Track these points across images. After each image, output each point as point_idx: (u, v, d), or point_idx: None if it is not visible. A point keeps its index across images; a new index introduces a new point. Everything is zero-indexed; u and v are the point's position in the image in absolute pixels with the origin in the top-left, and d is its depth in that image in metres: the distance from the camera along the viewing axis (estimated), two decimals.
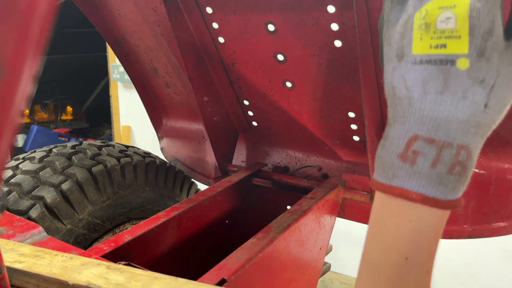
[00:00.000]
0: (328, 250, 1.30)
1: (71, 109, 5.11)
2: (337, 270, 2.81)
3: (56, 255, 0.64)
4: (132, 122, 3.54)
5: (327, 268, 1.27)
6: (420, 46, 0.45)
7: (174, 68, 1.25)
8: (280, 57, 1.01)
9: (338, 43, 0.91)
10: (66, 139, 4.62)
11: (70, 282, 0.56)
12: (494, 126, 0.45)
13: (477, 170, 0.99)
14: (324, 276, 2.80)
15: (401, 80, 0.47)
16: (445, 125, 0.44)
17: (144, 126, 3.36)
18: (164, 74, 1.31)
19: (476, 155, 0.45)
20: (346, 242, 2.74)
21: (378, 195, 0.49)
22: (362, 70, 0.86)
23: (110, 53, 3.43)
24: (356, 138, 1.07)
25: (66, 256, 0.63)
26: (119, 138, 3.59)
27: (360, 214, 1.11)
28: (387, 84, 0.49)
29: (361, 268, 0.52)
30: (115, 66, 3.37)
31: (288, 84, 1.06)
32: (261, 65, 1.06)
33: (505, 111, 0.45)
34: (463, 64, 0.43)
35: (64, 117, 5.07)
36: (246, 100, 1.19)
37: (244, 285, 0.70)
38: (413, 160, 0.44)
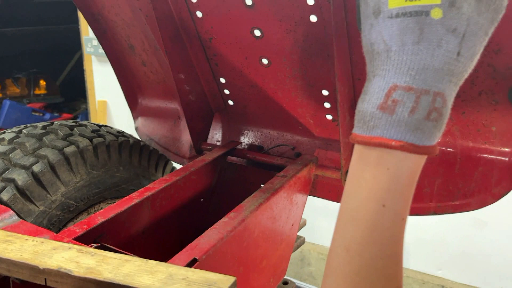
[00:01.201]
0: (302, 225, 1.34)
1: (44, 83, 4.97)
2: (315, 241, 2.89)
3: (26, 239, 0.64)
4: (108, 97, 3.47)
5: (301, 242, 1.31)
6: (395, 0, 0.47)
7: (151, 45, 1.23)
8: (257, 32, 1.00)
9: (313, 18, 0.91)
10: (41, 114, 4.51)
11: (41, 267, 0.57)
12: (466, 75, 0.48)
13: (443, 148, 1.03)
14: (302, 247, 2.88)
15: (378, 35, 0.48)
16: (422, 73, 0.45)
17: (120, 101, 3.31)
18: (141, 51, 1.29)
19: (451, 102, 0.47)
20: (323, 214, 2.81)
21: (357, 149, 0.51)
22: (336, 45, 0.87)
23: (83, 25, 3.33)
24: (329, 117, 1.09)
25: (37, 241, 0.64)
26: (95, 113, 3.53)
27: (331, 192, 1.14)
28: (365, 41, 0.51)
29: (337, 224, 0.54)
30: (88, 39, 3.27)
31: (265, 61, 1.06)
32: (238, 41, 1.05)
33: (475, 60, 0.47)
34: (436, 13, 0.45)
35: (37, 91, 4.93)
36: (223, 77, 1.19)
37: (216, 264, 0.72)
38: (392, 109, 0.46)
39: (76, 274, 0.55)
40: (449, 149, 1.03)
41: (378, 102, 0.47)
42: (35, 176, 0.96)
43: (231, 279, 0.54)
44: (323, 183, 1.14)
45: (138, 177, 1.20)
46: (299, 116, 1.14)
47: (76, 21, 3.43)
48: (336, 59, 0.87)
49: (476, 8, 0.45)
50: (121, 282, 0.54)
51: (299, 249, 2.87)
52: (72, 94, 5.06)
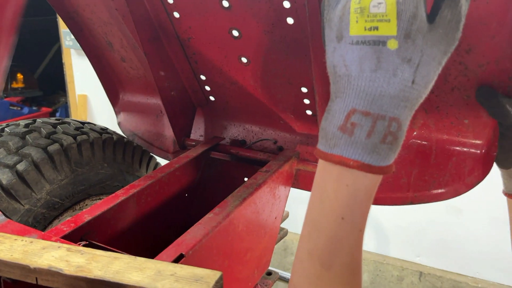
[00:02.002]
0: (285, 217, 1.38)
1: (21, 76, 4.87)
2: (297, 231, 2.94)
3: (16, 239, 0.65)
4: (88, 90, 3.44)
5: (284, 233, 1.35)
6: (356, 28, 0.50)
7: (129, 42, 1.23)
8: (235, 33, 1.02)
9: (290, 20, 0.94)
10: (19, 108, 4.43)
11: (32, 266, 0.58)
12: (421, 100, 0.51)
13: (419, 141, 1.07)
14: (285, 237, 2.93)
15: (340, 59, 0.51)
16: (378, 100, 0.48)
17: (101, 94, 3.29)
18: (120, 48, 1.29)
19: (406, 126, 0.50)
20: (305, 204, 2.86)
21: (320, 163, 0.55)
22: (312, 47, 0.89)
23: (61, 19, 3.27)
24: (309, 112, 1.12)
25: (26, 241, 0.65)
26: (75, 107, 3.49)
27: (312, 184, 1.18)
28: (329, 63, 0.54)
29: (303, 229, 0.58)
30: (66, 33, 3.22)
31: (244, 60, 1.08)
32: (217, 41, 1.06)
33: (430, 87, 0.51)
34: (392, 44, 0.48)
35: (15, 85, 4.83)
36: (203, 75, 1.20)
37: (202, 259, 0.75)
38: (351, 131, 0.49)
39: (67, 272, 0.57)
40: (424, 142, 1.07)
41: (339, 124, 0.50)
42: (20, 175, 0.96)
43: (217, 274, 0.57)
44: (304, 175, 1.18)
45: (123, 173, 1.21)
46: (280, 112, 1.16)
47: (54, 13, 3.37)
48: (313, 61, 0.90)
49: (430, 40, 0.48)
50: (112, 279, 0.56)
51: (282, 239, 2.92)
52: (51, 87, 4.97)
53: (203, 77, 1.20)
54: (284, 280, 1.67)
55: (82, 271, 0.57)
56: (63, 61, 3.37)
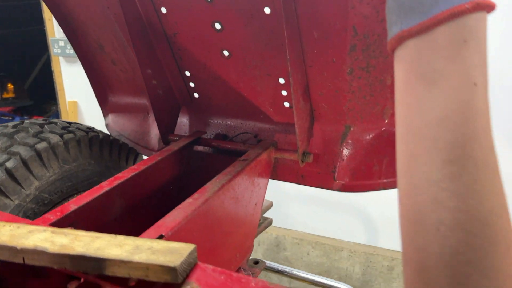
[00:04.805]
0: (268, 206, 1.43)
1: (12, 86, 4.89)
2: (289, 227, 2.99)
3: (4, 225, 0.70)
4: (78, 97, 3.48)
5: (268, 222, 1.39)
6: None
7: (120, 44, 1.28)
8: (217, 26, 1.07)
9: (267, 10, 0.99)
10: (10, 118, 4.46)
11: (18, 247, 0.63)
12: None
13: (390, 130, 1.12)
14: (277, 233, 2.98)
15: None
16: None
17: (91, 100, 3.33)
18: (111, 50, 1.34)
19: None
20: (297, 201, 2.91)
21: (409, 49, 0.43)
22: (287, 35, 0.94)
23: (49, 26, 3.31)
24: (286, 104, 1.17)
25: (13, 226, 0.69)
26: (66, 114, 3.52)
27: (291, 174, 1.23)
28: None
29: (400, 136, 0.46)
30: (54, 41, 3.26)
31: (225, 53, 1.13)
32: (200, 35, 1.12)
33: None
34: None
35: (5, 95, 4.85)
36: (188, 71, 1.25)
37: (182, 240, 0.79)
38: None
39: (51, 251, 0.62)
40: (395, 129, 1.12)
41: None
42: (9, 172, 1.01)
43: (191, 246, 0.62)
44: (283, 167, 1.23)
45: (110, 170, 1.26)
46: (260, 105, 1.22)
47: (41, 23, 3.41)
48: (287, 48, 0.95)
49: None
50: (92, 255, 0.60)
51: (274, 235, 2.97)
52: (42, 96, 5.00)
53: (187, 73, 1.26)
54: (277, 272, 1.72)
55: (65, 249, 0.62)
56: (52, 68, 3.41)
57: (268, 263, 1.65)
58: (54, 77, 3.45)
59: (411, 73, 0.43)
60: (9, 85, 4.90)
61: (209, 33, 1.10)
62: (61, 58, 3.38)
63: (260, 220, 1.39)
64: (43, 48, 4.03)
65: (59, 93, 3.49)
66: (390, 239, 2.75)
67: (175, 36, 1.16)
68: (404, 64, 0.44)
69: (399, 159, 0.47)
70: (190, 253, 0.61)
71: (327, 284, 1.66)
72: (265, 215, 1.48)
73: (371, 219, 2.76)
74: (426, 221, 0.42)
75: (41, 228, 0.69)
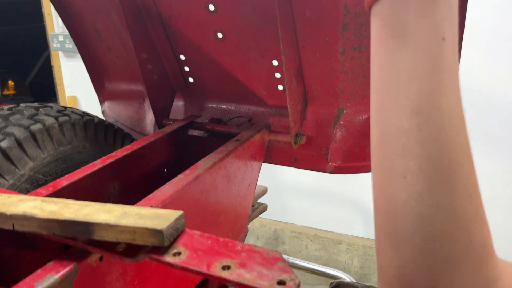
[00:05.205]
0: (263, 191, 1.43)
1: (13, 83, 4.91)
2: (288, 220, 2.99)
3: None
4: (78, 91, 3.49)
5: (264, 208, 1.40)
6: None
7: (116, 29, 1.29)
8: (211, 7, 1.08)
9: None
10: None
11: (8, 213, 0.63)
12: None
13: None
14: (275, 226, 2.98)
15: None
16: None
17: (90, 95, 3.35)
18: (107, 36, 1.35)
19: None
20: (295, 195, 2.91)
21: (383, 6, 0.43)
22: (279, 13, 0.94)
23: (48, 22, 3.33)
24: (280, 87, 1.18)
25: (4, 196, 0.70)
26: None
27: (284, 157, 1.23)
28: None
29: (387, 86, 0.45)
30: (54, 35, 3.28)
31: (219, 35, 1.14)
32: (195, 17, 1.12)
33: None
34: None
35: (6, 92, 4.87)
36: (183, 54, 1.26)
37: None
38: None
39: (40, 216, 0.62)
40: None
41: None
42: (3, 152, 1.01)
43: (178, 212, 0.62)
44: (276, 150, 1.23)
45: (104, 154, 1.26)
46: (254, 88, 1.22)
47: (41, 21, 3.42)
48: (280, 27, 0.95)
49: None
50: (81, 219, 0.61)
51: (272, 229, 2.98)
52: (42, 93, 5.01)
53: (182, 57, 1.26)
54: None
55: (54, 215, 0.62)
56: (52, 63, 3.43)
57: None
58: (53, 72, 3.47)
59: (384, 29, 0.44)
60: (10, 82, 4.92)
61: (203, 15, 1.11)
62: (60, 53, 3.39)
63: (255, 205, 1.39)
64: (44, 45, 4.05)
65: (58, 88, 3.50)
66: None
67: (169, 19, 1.17)
68: (379, 21, 0.45)
69: (372, 110, 0.48)
70: (177, 219, 0.61)
71: (325, 272, 1.67)
72: (261, 202, 1.48)
73: (369, 212, 2.76)
74: (394, 169, 0.44)
75: (31, 197, 0.69)
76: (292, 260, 1.69)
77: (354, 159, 1.13)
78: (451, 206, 0.42)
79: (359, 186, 2.68)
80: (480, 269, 0.43)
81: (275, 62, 1.12)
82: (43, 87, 4.90)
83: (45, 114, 1.15)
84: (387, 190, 0.45)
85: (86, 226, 0.61)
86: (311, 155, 1.18)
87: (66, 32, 3.29)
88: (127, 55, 1.35)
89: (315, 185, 2.85)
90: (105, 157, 0.96)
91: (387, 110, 0.45)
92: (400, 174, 0.43)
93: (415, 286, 0.43)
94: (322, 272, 1.66)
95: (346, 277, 1.59)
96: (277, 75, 1.15)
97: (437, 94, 0.42)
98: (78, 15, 1.35)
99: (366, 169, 1.13)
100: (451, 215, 0.42)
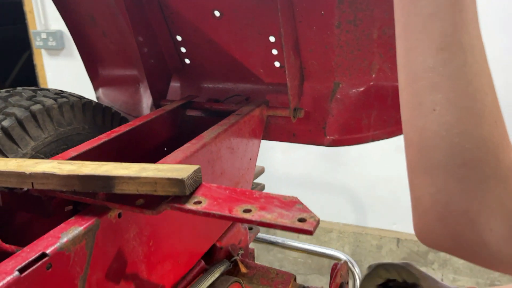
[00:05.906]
0: (261, 171, 1.46)
1: None
2: None
3: (10, 160, 0.71)
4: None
5: (261, 188, 1.42)
6: None
7: (111, 13, 1.29)
8: None
9: None
10: None
11: (27, 172, 0.64)
12: None
13: (379, 83, 1.16)
14: None
15: None
16: None
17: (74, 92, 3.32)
18: (102, 21, 1.35)
19: None
20: (285, 183, 2.95)
21: None
22: None
23: (30, 20, 3.28)
24: (277, 64, 1.20)
25: (19, 160, 0.71)
26: None
27: (282, 134, 1.26)
28: None
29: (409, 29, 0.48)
30: (36, 33, 3.24)
31: (217, 13, 1.16)
32: None
33: None
34: None
35: None
36: (179, 35, 1.28)
37: None
38: None
39: (60, 173, 0.63)
40: (382, 84, 1.17)
41: None
42: (5, 131, 1.01)
43: (196, 166, 0.64)
44: (275, 126, 1.26)
45: None
46: (251, 66, 1.25)
47: (22, 21, 3.37)
48: (278, 1, 0.98)
49: None
50: (101, 174, 0.62)
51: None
52: None
53: (179, 38, 1.28)
54: (269, 243, 1.75)
55: (74, 172, 0.64)
56: (35, 62, 3.38)
57: (260, 234, 1.68)
58: (36, 71, 3.42)
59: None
60: None
61: None
62: (43, 51, 3.35)
63: (252, 185, 1.42)
64: (24, 46, 3.99)
65: (41, 86, 3.46)
66: (378, 218, 2.80)
67: None
68: None
69: (399, 54, 0.52)
70: (196, 171, 0.63)
71: (321, 252, 1.69)
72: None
73: (359, 200, 2.82)
74: (424, 104, 0.48)
75: (47, 160, 0.70)
76: (289, 242, 1.72)
77: (351, 131, 1.17)
78: (478, 133, 0.45)
79: (349, 174, 2.73)
80: (509, 188, 0.46)
81: (272, 39, 1.14)
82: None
83: (44, 96, 1.15)
84: (418, 124, 0.48)
85: (107, 180, 0.62)
86: (309, 130, 1.21)
87: (49, 29, 3.25)
88: (122, 39, 1.36)
89: (304, 175, 2.89)
90: (109, 132, 0.97)
91: (413, 51, 0.48)
92: (430, 107, 0.47)
93: (450, 210, 0.47)
94: (319, 252, 1.68)
95: (342, 256, 1.62)
96: (274, 51, 1.17)
97: (459, 31, 0.45)
98: (73, 1, 1.35)
99: (363, 140, 1.17)
100: (479, 141, 0.45)
